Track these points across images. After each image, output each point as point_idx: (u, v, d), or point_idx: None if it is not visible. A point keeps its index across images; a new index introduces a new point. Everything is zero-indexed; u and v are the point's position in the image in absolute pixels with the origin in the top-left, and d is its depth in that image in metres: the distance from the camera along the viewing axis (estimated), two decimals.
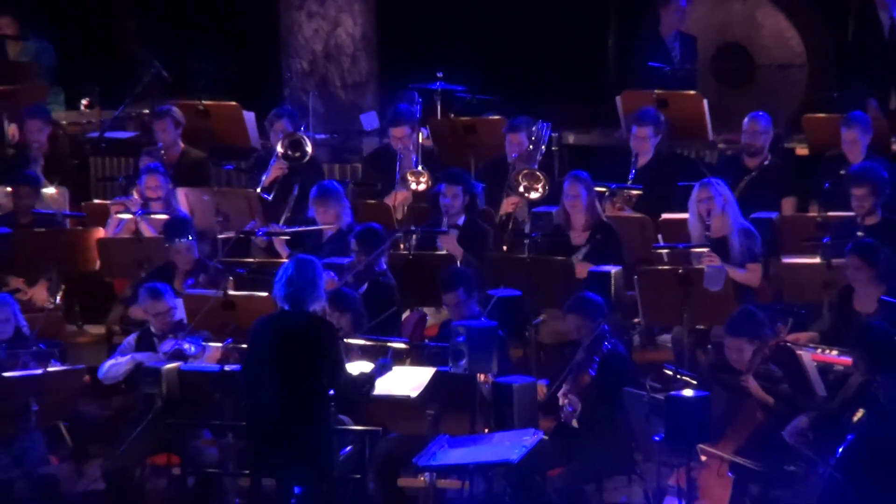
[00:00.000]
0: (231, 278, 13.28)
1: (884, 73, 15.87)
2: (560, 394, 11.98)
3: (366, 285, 12.88)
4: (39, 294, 14.03)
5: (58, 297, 13.83)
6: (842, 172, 13.80)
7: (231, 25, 16.76)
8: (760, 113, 14.58)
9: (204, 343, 12.40)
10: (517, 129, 14.44)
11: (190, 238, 13.26)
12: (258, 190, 14.82)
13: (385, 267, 13.19)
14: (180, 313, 12.66)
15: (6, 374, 12.10)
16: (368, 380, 11.42)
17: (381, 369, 11.36)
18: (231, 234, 13.91)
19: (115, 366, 12.64)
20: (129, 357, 12.65)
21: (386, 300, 13.05)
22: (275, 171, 14.70)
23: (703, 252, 13.03)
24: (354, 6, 16.17)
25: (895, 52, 15.43)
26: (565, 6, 16.90)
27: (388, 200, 14.54)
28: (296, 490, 11.46)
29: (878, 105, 15.24)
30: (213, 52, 16.52)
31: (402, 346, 12.54)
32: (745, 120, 14.52)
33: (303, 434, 11.25)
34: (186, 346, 12.35)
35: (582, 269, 13.33)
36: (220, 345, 12.29)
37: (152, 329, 12.57)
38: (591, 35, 16.62)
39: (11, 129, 15.13)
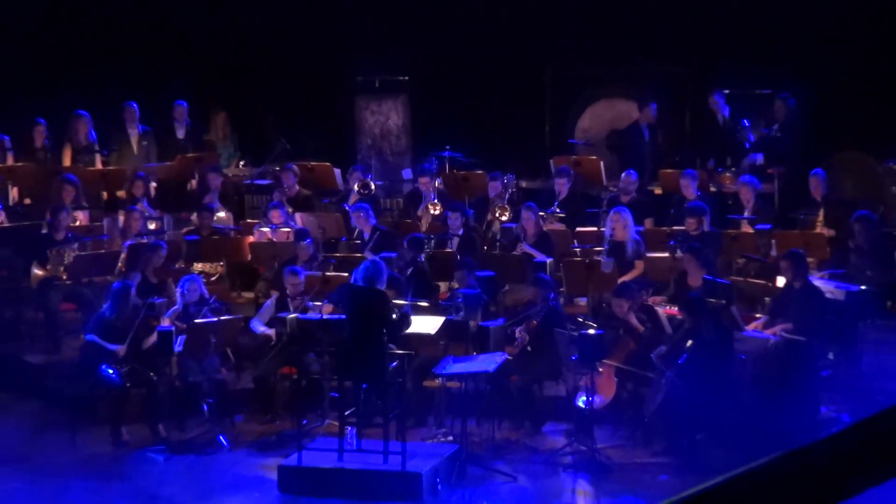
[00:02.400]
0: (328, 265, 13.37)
1: (713, 146, 15.68)
2: (517, 331, 12.01)
3: (411, 269, 12.86)
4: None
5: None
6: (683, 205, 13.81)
7: (329, 121, 16.57)
8: (631, 170, 14.53)
9: (310, 302, 12.49)
10: (494, 178, 14.52)
11: (308, 241, 13.33)
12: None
13: (423, 258, 13.20)
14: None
15: (197, 321, 12.15)
16: (403, 322, 11.47)
17: (404, 318, 11.47)
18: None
19: (260, 316, 12.72)
20: (268, 304, 12.79)
21: (424, 277, 13.09)
22: (354, 199, 14.77)
23: (601, 251, 13.03)
24: (398, 108, 16.20)
25: (725, 135, 15.19)
26: (520, 111, 16.53)
27: (419, 220, 14.49)
28: (363, 387, 11.57)
29: (706, 165, 15.19)
30: (317, 134, 16.29)
31: (426, 304, 12.45)
32: (623, 174, 14.44)
33: (367, 354, 11.27)
34: (308, 305, 12.44)
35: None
36: (326, 302, 12.32)
37: (288, 293, 12.57)
38: (537, 124, 16.43)
39: (191, 183, 15.16)
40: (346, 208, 14.65)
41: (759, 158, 15.24)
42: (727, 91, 15.39)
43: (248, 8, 16.17)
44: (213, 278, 13.79)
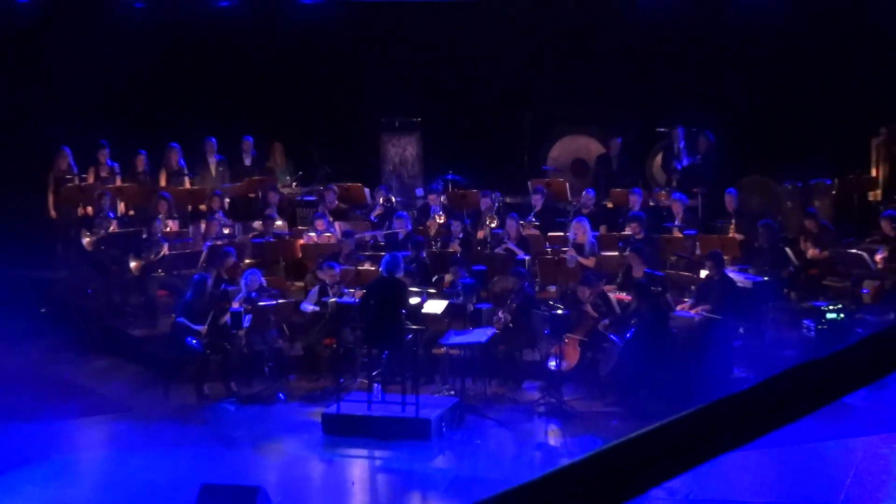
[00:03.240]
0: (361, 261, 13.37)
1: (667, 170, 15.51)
2: (500, 312, 12.02)
3: (415, 264, 12.74)
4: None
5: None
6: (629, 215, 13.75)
7: (360, 152, 16.49)
8: (590, 189, 14.53)
9: (345, 289, 12.52)
10: (485, 195, 14.43)
11: (352, 240, 13.35)
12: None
13: (424, 255, 13.13)
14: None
15: (260, 304, 12.19)
16: (416, 306, 11.58)
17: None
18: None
19: (308, 300, 12.74)
20: (313, 291, 12.73)
21: (425, 269, 12.97)
22: (378, 212, 14.79)
23: (567, 250, 13.01)
24: (412, 142, 16.13)
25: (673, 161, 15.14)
26: (505, 145, 16.46)
27: (428, 227, 14.53)
28: (385, 354, 11.66)
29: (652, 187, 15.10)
30: (351, 162, 16.29)
31: (434, 291, 12.50)
32: (584, 192, 14.41)
33: (389, 328, 11.30)
34: (344, 291, 12.48)
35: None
36: (358, 289, 12.33)
37: (327, 282, 12.49)
38: (518, 154, 16.31)
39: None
40: (372, 219, 14.67)
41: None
42: (663, 129, 15.42)
43: (299, 65, 16.10)
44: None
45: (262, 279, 12.73)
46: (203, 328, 12.16)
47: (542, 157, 16.06)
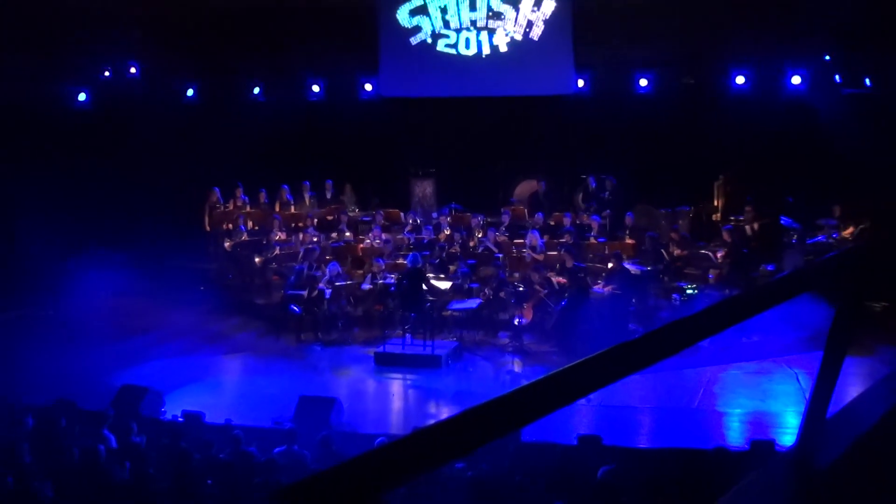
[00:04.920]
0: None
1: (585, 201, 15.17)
2: (485, 290, 11.92)
3: (432, 260, 12.72)
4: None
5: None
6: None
7: (397, 190, 16.05)
8: (539, 213, 14.10)
9: (388, 276, 12.36)
10: (475, 217, 13.94)
11: (390, 244, 13.16)
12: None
13: (438, 254, 12.99)
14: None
15: (336, 283, 12.11)
16: (432, 288, 11.43)
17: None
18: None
19: (365, 282, 12.49)
20: (368, 276, 12.54)
21: (439, 263, 12.74)
22: (409, 228, 14.42)
23: (525, 250, 12.83)
24: (430, 184, 15.90)
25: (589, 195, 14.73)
26: (488, 185, 15.92)
27: (440, 236, 14.31)
28: (413, 315, 11.51)
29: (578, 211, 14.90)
30: (392, 196, 15.74)
31: (443, 275, 12.40)
32: (535, 215, 13.99)
33: (414, 299, 11.24)
34: (386, 276, 12.24)
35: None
36: (397, 275, 12.19)
37: (376, 271, 12.24)
38: (495, 191, 15.88)
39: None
40: (406, 233, 14.45)
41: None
42: (584, 175, 15.13)
43: (360, 136, 15.67)
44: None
45: (339, 268, 12.64)
46: (304, 293, 12.04)
47: (510, 193, 15.81)
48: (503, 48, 14.87)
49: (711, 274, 12.25)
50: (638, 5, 14.24)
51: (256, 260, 13.89)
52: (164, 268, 13.74)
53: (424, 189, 16.07)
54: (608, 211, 14.40)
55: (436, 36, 15.08)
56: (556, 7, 14.55)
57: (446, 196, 15.52)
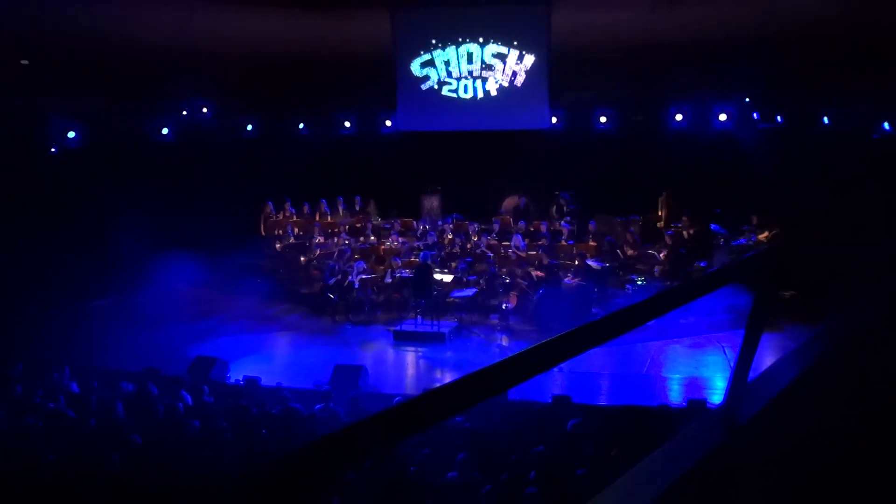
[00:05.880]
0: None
1: (558, 214, 14.89)
2: (480, 281, 11.84)
3: (436, 258, 12.65)
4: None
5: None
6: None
7: (410, 205, 15.68)
8: (522, 221, 13.85)
9: (404, 270, 12.26)
10: (472, 225, 13.89)
11: (406, 245, 13.05)
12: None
13: (443, 253, 12.90)
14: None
15: (362, 276, 12.04)
16: (438, 280, 11.36)
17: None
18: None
19: (387, 275, 12.39)
20: (389, 270, 12.34)
21: (443, 261, 12.65)
22: (420, 233, 14.22)
23: (511, 250, 12.72)
24: (437, 199, 15.67)
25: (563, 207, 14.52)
26: (481, 201, 15.42)
27: (445, 240, 14.08)
28: (423, 301, 11.43)
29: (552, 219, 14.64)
30: (407, 209, 15.52)
31: (447, 270, 12.28)
32: (518, 223, 13.76)
33: (425, 288, 11.14)
34: (403, 271, 12.13)
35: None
36: (411, 270, 12.04)
37: (395, 267, 12.11)
38: (487, 205, 15.50)
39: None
40: (417, 237, 14.42)
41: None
42: (557, 192, 15.02)
43: (382, 161, 15.51)
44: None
45: (364, 265, 12.56)
46: (338, 284, 12.00)
47: (499, 206, 15.57)
48: (493, 93, 15.03)
49: (657, 269, 12.18)
50: (599, 60, 14.39)
51: (301, 258, 13.81)
52: (228, 264, 13.61)
53: (432, 203, 15.95)
54: (572, 219, 14.26)
55: (441, 83, 15.26)
56: (534, 61, 14.77)
57: (449, 208, 15.40)
